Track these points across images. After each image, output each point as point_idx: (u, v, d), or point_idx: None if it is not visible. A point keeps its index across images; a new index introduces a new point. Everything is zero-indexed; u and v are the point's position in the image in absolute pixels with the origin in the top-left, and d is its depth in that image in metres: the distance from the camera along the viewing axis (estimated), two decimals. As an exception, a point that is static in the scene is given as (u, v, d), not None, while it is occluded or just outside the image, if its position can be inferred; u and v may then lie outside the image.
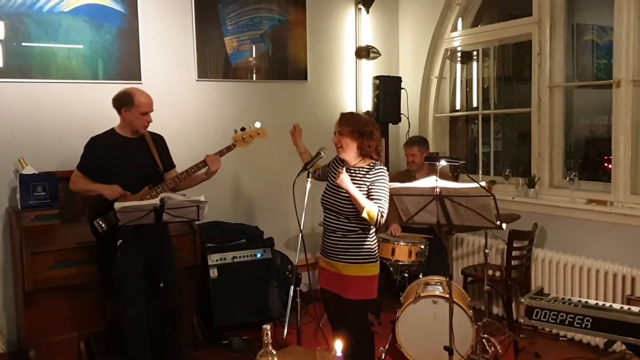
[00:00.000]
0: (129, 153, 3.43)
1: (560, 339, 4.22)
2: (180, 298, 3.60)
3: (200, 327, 4.32)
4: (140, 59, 4.44)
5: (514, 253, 4.23)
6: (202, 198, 3.19)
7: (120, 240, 3.24)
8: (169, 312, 3.53)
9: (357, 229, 3.08)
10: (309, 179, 3.08)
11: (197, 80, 4.73)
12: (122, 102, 3.40)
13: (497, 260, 4.63)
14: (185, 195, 3.42)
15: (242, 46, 4.91)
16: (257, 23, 4.96)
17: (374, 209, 2.93)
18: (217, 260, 4.33)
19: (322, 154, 3.25)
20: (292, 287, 2.98)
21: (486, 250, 4.06)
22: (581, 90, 4.87)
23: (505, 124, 5.67)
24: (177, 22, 4.62)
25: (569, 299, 2.61)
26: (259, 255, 4.49)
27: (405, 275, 4.30)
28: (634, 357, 3.16)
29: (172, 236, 3.67)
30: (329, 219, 3.16)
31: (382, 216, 2.95)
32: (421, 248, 4.18)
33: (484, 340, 3.77)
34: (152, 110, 3.45)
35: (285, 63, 5.15)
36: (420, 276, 4.08)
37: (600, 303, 2.57)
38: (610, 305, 2.54)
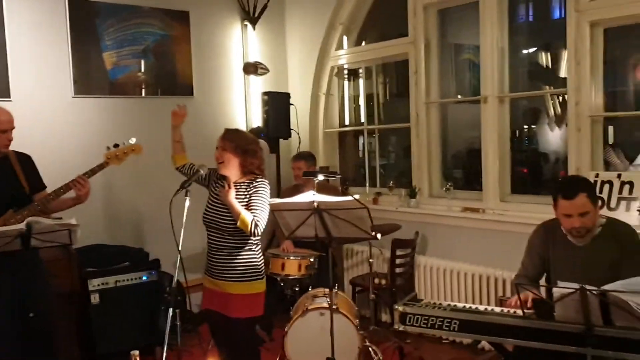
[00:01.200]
0: None
1: (444, 341, 4.42)
2: (52, 328, 3.39)
3: (82, 357, 4.10)
4: (9, 75, 4.18)
5: (397, 261, 4.40)
6: (73, 221, 3.03)
7: None
8: (41, 344, 3.31)
9: (243, 245, 3.08)
10: (187, 198, 3.03)
11: (73, 97, 4.53)
12: None
13: (384, 269, 4.78)
14: (61, 218, 3.24)
15: (122, 61, 4.77)
16: (138, 38, 4.85)
17: (248, 217, 2.96)
18: (98, 285, 4.14)
19: (202, 171, 3.22)
20: (170, 310, 2.91)
21: (370, 260, 4.19)
22: (458, 105, 5.18)
23: (391, 139, 5.90)
24: (50, 37, 4.41)
25: (440, 304, 2.74)
26: (144, 278, 4.34)
27: (296, 289, 4.34)
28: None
29: (45, 261, 3.46)
30: (213, 237, 3.13)
31: (256, 225, 2.97)
32: (311, 261, 4.23)
33: (369, 349, 3.87)
34: (12, 128, 3.23)
35: (171, 78, 5.06)
36: (310, 289, 4.13)
37: (467, 306, 2.72)
38: (476, 308, 2.70)
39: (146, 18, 4.88)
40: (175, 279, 2.96)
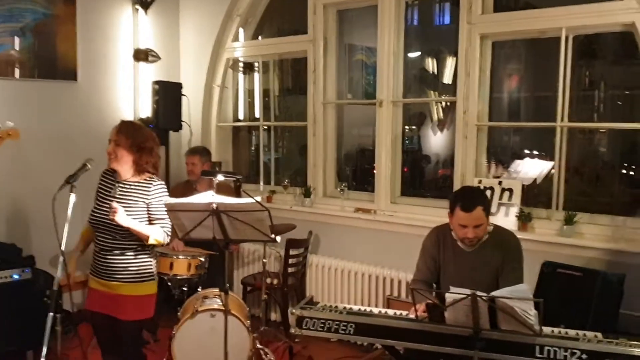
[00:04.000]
0: None
1: (331, 340, 4.48)
2: None
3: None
4: None
5: (290, 261, 4.40)
6: None
7: None
8: None
9: (135, 246, 2.94)
10: (72, 194, 2.82)
11: (-62, 75, 4.06)
12: None
13: (276, 268, 4.77)
14: None
15: (-2, 39, 4.34)
16: (16, 15, 4.42)
17: (159, 235, 2.90)
18: (-37, 283, 3.75)
19: (89, 165, 3.00)
20: (50, 314, 2.69)
21: (264, 260, 4.16)
22: (351, 104, 5.27)
23: (286, 136, 5.89)
24: None
25: (336, 306, 2.77)
26: (15, 277, 3.98)
27: (184, 289, 4.20)
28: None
29: None
30: (102, 239, 2.95)
31: (168, 236, 2.93)
32: (201, 261, 4.12)
33: (260, 351, 3.84)
34: None
35: (52, 61, 4.67)
36: (199, 290, 4.02)
37: (363, 309, 2.78)
38: (371, 311, 2.76)
39: (26, -7, 4.47)
40: (56, 280, 2.74)
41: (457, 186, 4.00)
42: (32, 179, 4.49)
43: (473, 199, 2.80)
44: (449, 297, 2.35)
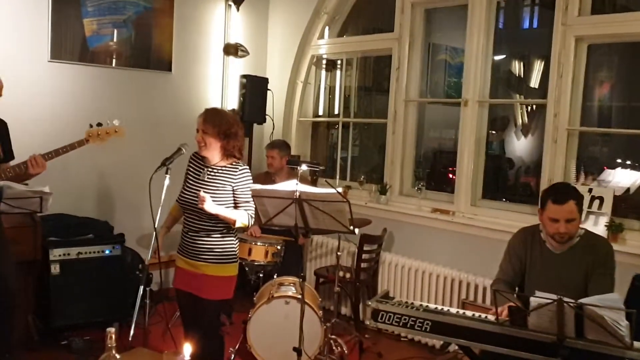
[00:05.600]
0: None
1: (402, 339, 4.48)
2: (12, 296, 3.28)
3: (37, 327, 3.99)
4: (-16, 33, 4.01)
5: (363, 256, 4.42)
6: (46, 189, 2.94)
7: None
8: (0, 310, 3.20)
9: (221, 228, 3.05)
10: (167, 176, 2.97)
11: (49, 61, 4.36)
12: None
13: (348, 262, 4.80)
14: (27, 184, 3.13)
15: (102, 30, 4.61)
16: (120, 7, 4.69)
17: (244, 218, 3.01)
18: (59, 255, 4.02)
19: (183, 150, 3.16)
20: (141, 287, 2.85)
21: (338, 253, 4.20)
22: (432, 105, 5.23)
23: (363, 133, 5.92)
24: (31, -3, 4.23)
25: (412, 303, 2.76)
26: (107, 252, 4.24)
27: (260, 275, 4.31)
28: (464, 357, 3.45)
29: (9, 228, 3.33)
30: (190, 220, 3.08)
31: (252, 218, 3.03)
32: (277, 249, 4.21)
33: (331, 341, 3.89)
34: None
35: (149, 52, 4.93)
36: (275, 277, 4.11)
37: (439, 307, 2.74)
38: (448, 310, 2.73)
39: (130, -13, 4.73)
40: (149, 257, 2.89)
41: (543, 191, 3.89)
42: (124, 161, 4.75)
43: (566, 192, 2.71)
44: (533, 301, 2.29)
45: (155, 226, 2.88)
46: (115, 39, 4.70)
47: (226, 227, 3.05)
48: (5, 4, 4.11)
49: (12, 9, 4.16)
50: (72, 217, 4.36)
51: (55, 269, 3.99)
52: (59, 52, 4.39)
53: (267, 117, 5.49)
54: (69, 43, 4.44)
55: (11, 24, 4.16)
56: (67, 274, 4.04)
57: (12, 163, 3.24)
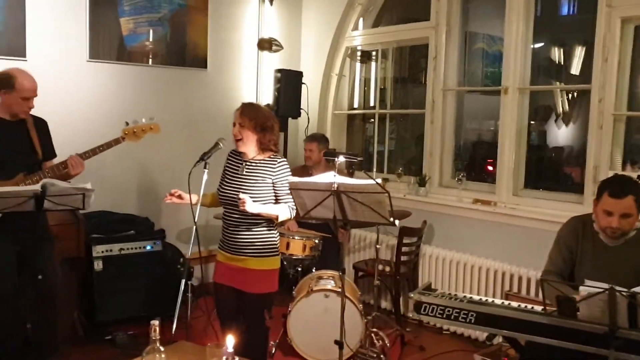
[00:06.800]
0: (5, 137, 3.14)
1: (444, 332, 4.41)
2: (57, 293, 3.36)
3: (82, 322, 4.07)
4: (26, 34, 4.09)
5: (403, 249, 4.37)
6: (88, 186, 2.98)
7: None
8: (45, 308, 3.27)
9: (262, 222, 3.05)
10: (206, 170, 2.98)
11: (88, 61, 4.44)
12: (2, 84, 3.09)
13: (387, 256, 4.75)
14: (70, 182, 3.19)
15: (138, 28, 4.67)
16: (155, 5, 4.74)
17: (286, 212, 3.01)
18: (102, 251, 4.10)
19: (221, 144, 3.17)
20: (183, 281, 2.87)
21: (377, 246, 4.16)
22: (470, 95, 5.13)
23: (400, 124, 5.85)
24: (69, -4, 4.31)
25: (455, 295, 2.70)
26: (148, 248, 4.30)
27: (299, 269, 4.31)
28: (510, 349, 3.37)
29: (53, 225, 3.41)
30: (230, 214, 3.08)
31: (293, 210, 3.02)
32: (315, 242, 4.19)
33: (372, 334, 3.86)
34: (35, 96, 3.17)
35: (184, 49, 4.97)
36: (314, 270, 4.10)
37: (483, 299, 2.68)
38: (492, 301, 2.66)
39: (165, -15, 4.78)
40: (189, 252, 2.91)
41: (588, 179, 3.78)
42: (163, 158, 4.81)
43: (624, 186, 2.58)
44: (583, 290, 2.21)
45: (195, 220, 2.89)
46: (151, 38, 4.76)
47: (266, 220, 3.05)
48: (45, 7, 4.20)
49: (53, 11, 4.24)
50: (113, 214, 4.44)
51: (98, 265, 4.07)
52: (97, 52, 4.46)
53: (301, 111, 5.48)
54: (106, 43, 4.51)
55: (51, 25, 4.24)
56: (110, 270, 4.12)
57: (55, 161, 3.31)
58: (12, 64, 3.30)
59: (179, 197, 3.07)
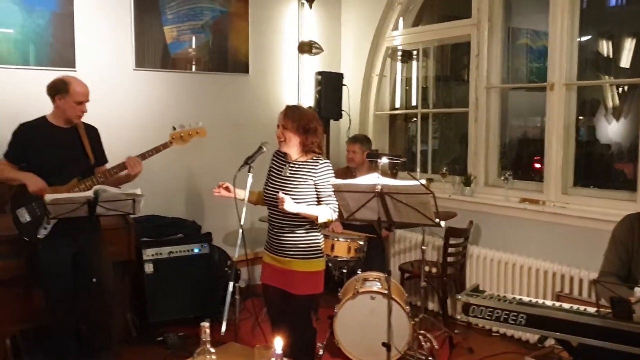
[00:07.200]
0: (59, 143, 3.27)
1: (493, 334, 4.34)
2: (110, 295, 3.46)
3: (135, 324, 4.19)
4: (75, 46, 4.25)
5: (450, 250, 4.32)
6: (138, 191, 3.07)
7: (43, 234, 3.10)
8: (99, 309, 3.39)
9: (305, 224, 3.07)
10: (250, 174, 3.02)
11: (134, 70, 4.57)
12: (57, 89, 3.24)
13: (434, 257, 4.71)
14: (120, 188, 3.29)
15: (181, 36, 4.77)
16: (198, 13, 4.83)
17: (327, 214, 3.01)
18: (152, 255, 4.21)
19: (264, 148, 3.21)
20: (230, 283, 2.91)
21: (423, 247, 4.12)
22: (515, 92, 5.02)
23: (443, 123, 5.78)
24: (114, 9, 4.45)
25: (504, 296, 2.66)
26: (196, 250, 4.39)
27: (344, 271, 4.31)
28: (562, 352, 3.29)
29: (105, 230, 3.52)
30: (274, 216, 3.12)
31: (335, 212, 3.03)
32: (360, 244, 4.19)
33: (420, 336, 3.83)
34: (87, 100, 3.30)
35: (226, 55, 5.04)
36: (359, 272, 4.09)
37: (534, 300, 2.62)
38: (543, 302, 2.60)
39: (207, -7, 4.86)
40: (236, 254, 2.95)
41: (641, 176, 3.65)
42: (208, 163, 4.90)
43: None
44: (638, 291, 2.15)
45: (241, 224, 2.93)
46: (194, 45, 4.85)
47: (309, 222, 3.07)
48: (93, 19, 4.34)
49: (100, 23, 4.38)
50: (162, 218, 4.54)
51: (149, 268, 4.18)
52: (142, 60, 4.58)
53: (343, 112, 5.48)
54: (151, 51, 4.63)
55: (98, 37, 4.38)
56: (160, 273, 4.22)
57: (107, 166, 3.43)
58: (63, 74, 3.42)
59: (227, 189, 3.11)
